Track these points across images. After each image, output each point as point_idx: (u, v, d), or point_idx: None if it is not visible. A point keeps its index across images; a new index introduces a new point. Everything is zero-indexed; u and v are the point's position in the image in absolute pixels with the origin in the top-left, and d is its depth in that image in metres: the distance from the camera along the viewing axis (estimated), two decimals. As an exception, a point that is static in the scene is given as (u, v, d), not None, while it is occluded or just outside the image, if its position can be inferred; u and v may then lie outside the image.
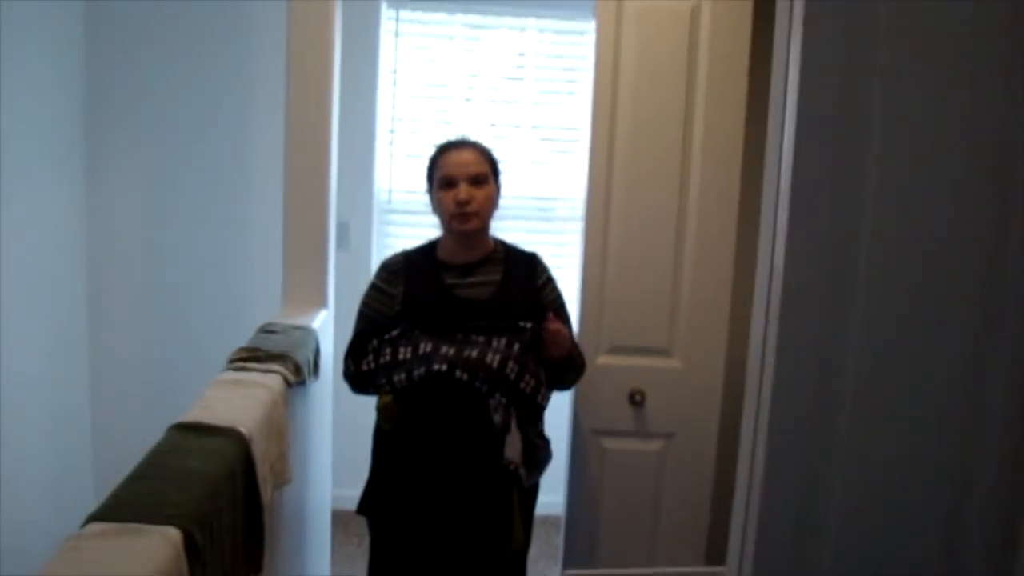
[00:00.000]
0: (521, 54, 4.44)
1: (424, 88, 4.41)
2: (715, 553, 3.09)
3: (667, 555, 3.09)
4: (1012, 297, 1.45)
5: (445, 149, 2.59)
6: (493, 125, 4.41)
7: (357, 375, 2.60)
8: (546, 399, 2.53)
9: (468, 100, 4.42)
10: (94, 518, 1.47)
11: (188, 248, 4.24)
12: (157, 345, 4.29)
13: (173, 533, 1.43)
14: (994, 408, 1.49)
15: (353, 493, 2.62)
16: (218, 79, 4.16)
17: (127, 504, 1.52)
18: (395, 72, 4.36)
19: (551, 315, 2.52)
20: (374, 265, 4.20)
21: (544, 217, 4.49)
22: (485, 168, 2.55)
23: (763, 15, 2.92)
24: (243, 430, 1.93)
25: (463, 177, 2.50)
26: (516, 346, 2.44)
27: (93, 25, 4.07)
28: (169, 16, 4.10)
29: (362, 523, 2.74)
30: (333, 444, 3.37)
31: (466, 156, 2.54)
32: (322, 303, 3.11)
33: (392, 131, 4.39)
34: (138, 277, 4.27)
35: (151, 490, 1.59)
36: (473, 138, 2.66)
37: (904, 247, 1.45)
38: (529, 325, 2.48)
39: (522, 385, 2.43)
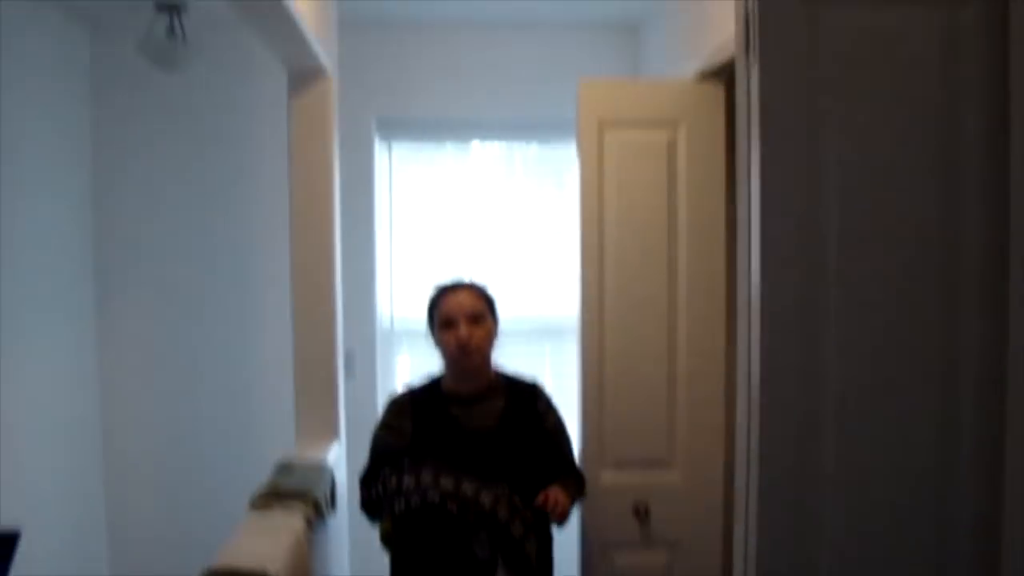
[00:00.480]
0: (508, 175, 4.66)
1: (418, 212, 4.62)
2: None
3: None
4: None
5: (444, 292, 2.77)
6: (484, 246, 4.60)
7: (368, 502, 2.69)
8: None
9: (460, 222, 4.62)
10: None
11: (199, 377, 4.38)
12: (168, 476, 4.38)
13: None
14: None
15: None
16: (221, 216, 4.37)
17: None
18: (391, 201, 4.56)
19: (543, 495, 2.59)
20: (380, 391, 4.36)
21: (540, 333, 4.64)
22: (482, 307, 2.73)
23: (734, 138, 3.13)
24: (272, 574, 2.04)
25: (462, 317, 2.67)
26: (514, 496, 2.56)
27: (100, 178, 4.30)
28: (174, 146, 4.36)
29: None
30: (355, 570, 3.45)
31: (463, 297, 2.72)
32: (334, 435, 3.23)
33: (390, 256, 4.56)
34: (148, 417, 4.39)
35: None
36: (469, 279, 2.85)
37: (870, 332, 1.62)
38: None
39: (512, 529, 2.53)
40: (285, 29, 2.70)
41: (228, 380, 4.38)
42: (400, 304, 4.59)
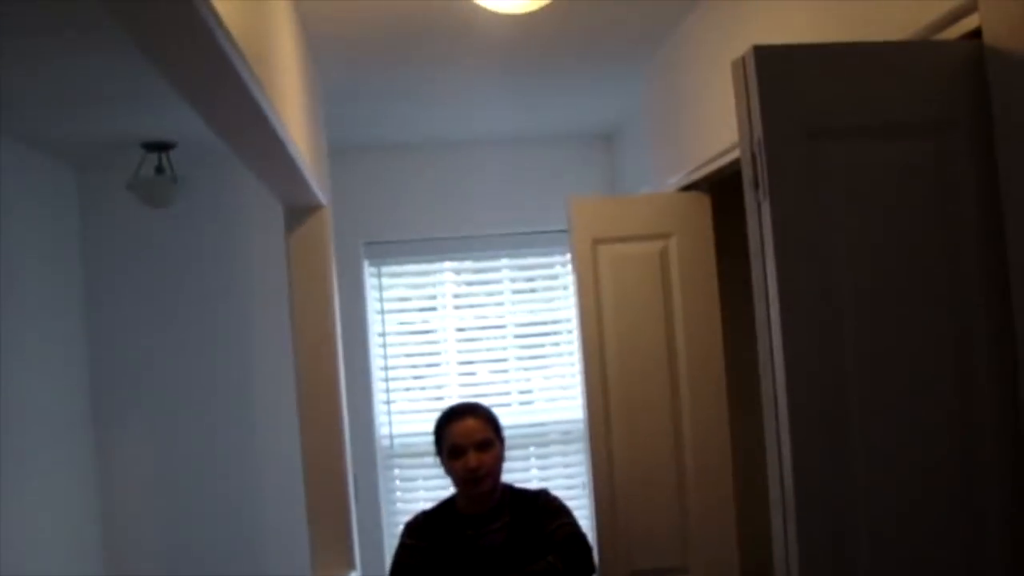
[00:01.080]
0: (499, 291, 4.75)
1: (411, 333, 4.69)
2: None
3: None
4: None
5: (450, 419, 2.80)
6: (478, 358, 4.67)
7: None
8: None
9: (451, 337, 4.69)
10: None
11: (202, 508, 4.37)
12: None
13: None
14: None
15: None
16: (220, 348, 4.42)
17: None
18: (383, 322, 4.62)
19: None
20: (385, 515, 4.35)
21: (541, 443, 4.68)
22: (489, 433, 2.76)
23: (723, 245, 3.27)
24: None
25: (470, 445, 2.71)
26: None
27: (93, 312, 4.35)
28: (166, 281, 4.43)
29: None
30: None
31: (470, 425, 2.75)
32: (351, 566, 3.22)
33: (387, 379, 4.61)
34: (151, 545, 4.35)
35: None
36: (473, 402, 2.91)
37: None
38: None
39: None
40: (284, 170, 2.78)
41: (232, 509, 4.36)
42: (399, 424, 4.61)
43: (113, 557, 4.30)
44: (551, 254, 4.72)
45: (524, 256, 4.75)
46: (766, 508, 3.40)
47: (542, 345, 4.73)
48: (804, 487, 1.70)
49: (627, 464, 3.22)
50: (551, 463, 4.68)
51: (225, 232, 4.45)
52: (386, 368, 4.61)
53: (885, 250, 1.72)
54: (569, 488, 4.44)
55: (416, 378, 4.67)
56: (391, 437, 4.58)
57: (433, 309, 4.72)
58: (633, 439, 3.23)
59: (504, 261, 4.76)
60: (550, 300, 4.76)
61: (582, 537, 2.77)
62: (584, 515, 3.21)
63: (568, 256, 4.53)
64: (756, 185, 1.71)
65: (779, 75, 1.71)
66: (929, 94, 1.75)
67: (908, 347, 1.73)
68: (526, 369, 4.72)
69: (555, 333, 4.72)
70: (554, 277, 4.77)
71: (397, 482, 4.56)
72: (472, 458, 2.69)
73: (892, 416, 1.73)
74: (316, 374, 3.30)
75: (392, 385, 4.63)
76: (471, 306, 4.72)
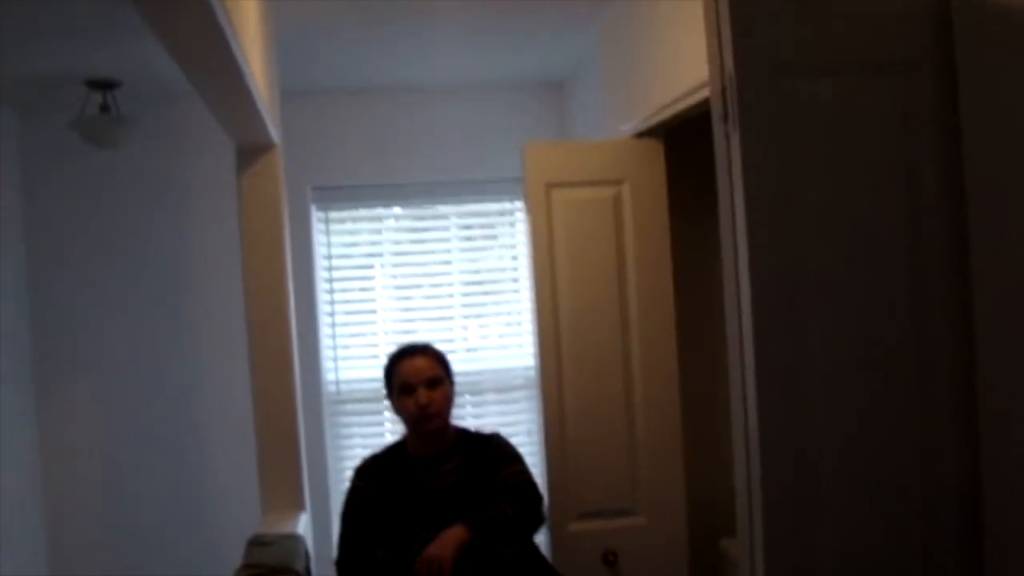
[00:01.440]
0: (446, 239, 4.74)
1: (358, 279, 4.67)
2: None
3: None
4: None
5: (400, 358, 2.83)
6: (427, 306, 4.67)
7: None
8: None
9: (400, 284, 4.69)
10: None
11: (150, 452, 4.34)
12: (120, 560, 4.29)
13: None
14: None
15: None
16: (166, 291, 4.37)
17: None
18: (330, 267, 4.59)
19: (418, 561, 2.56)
20: (332, 460, 4.35)
21: (486, 390, 4.70)
22: (439, 371, 2.80)
23: (675, 188, 3.32)
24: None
25: (420, 383, 2.74)
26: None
27: (35, 260, 4.25)
28: (110, 224, 4.35)
29: None
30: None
31: (420, 363, 2.78)
32: (301, 506, 3.22)
33: (333, 324, 4.58)
34: (96, 500, 4.31)
35: None
36: (423, 342, 2.93)
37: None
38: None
39: None
40: (241, 104, 2.71)
41: (181, 453, 4.34)
42: (345, 371, 4.59)
43: (54, 513, 4.25)
44: (500, 201, 4.72)
45: (472, 203, 4.73)
46: (713, 448, 3.51)
47: (488, 293, 4.74)
48: (766, 411, 1.76)
49: (577, 407, 3.26)
50: (493, 411, 4.69)
51: (173, 173, 4.36)
52: (333, 315, 4.59)
53: (849, 182, 1.77)
54: (512, 437, 4.45)
55: (362, 323, 4.65)
56: (337, 383, 4.56)
57: (380, 255, 4.70)
58: (583, 383, 3.27)
59: (452, 208, 4.74)
60: (496, 249, 4.76)
61: (534, 486, 2.82)
62: (533, 462, 3.25)
63: (516, 204, 4.56)
64: (725, 118, 1.74)
65: (750, 11, 1.74)
66: (895, 35, 1.81)
67: (866, 270, 1.79)
68: (471, 317, 4.73)
69: (501, 281, 4.73)
70: (502, 226, 4.78)
71: (342, 429, 4.55)
72: (422, 395, 2.72)
73: (854, 347, 1.79)
74: (267, 316, 3.27)
75: (339, 331, 4.61)
76: (418, 252, 4.70)
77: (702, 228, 3.38)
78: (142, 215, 4.35)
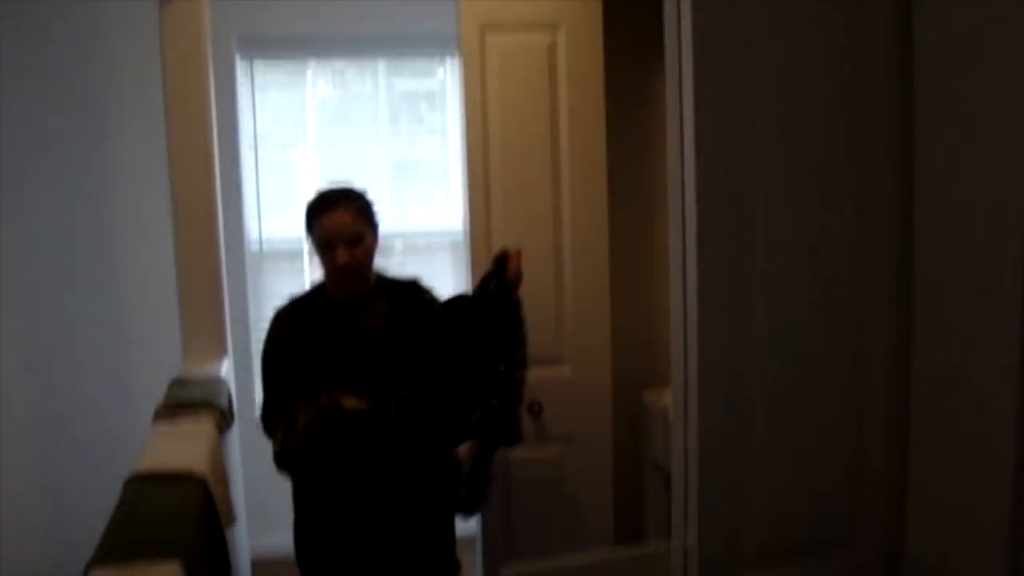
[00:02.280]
0: (373, 91, 4.62)
1: (283, 133, 4.53)
2: (620, 536, 3.41)
3: (579, 545, 3.30)
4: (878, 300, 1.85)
5: (319, 210, 2.64)
6: (356, 162, 4.57)
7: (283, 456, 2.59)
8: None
9: (328, 140, 4.57)
10: (95, 563, 1.55)
11: (72, 305, 4.23)
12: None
13: (176, 568, 1.54)
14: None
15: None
16: (82, 144, 4.17)
17: (123, 547, 1.61)
18: (254, 121, 4.45)
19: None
20: (252, 314, 4.28)
21: (416, 249, 4.65)
22: (360, 226, 2.63)
23: (611, 40, 3.26)
24: (199, 473, 2.03)
25: (340, 240, 2.59)
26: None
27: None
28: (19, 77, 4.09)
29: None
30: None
31: (339, 219, 2.59)
32: (224, 350, 3.17)
33: (256, 178, 4.46)
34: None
35: (139, 533, 1.68)
36: (345, 188, 2.71)
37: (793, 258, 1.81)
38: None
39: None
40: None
41: (104, 304, 4.24)
42: (268, 226, 4.50)
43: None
44: (431, 58, 4.59)
45: (402, 59, 4.60)
46: (638, 299, 3.53)
47: (416, 153, 4.65)
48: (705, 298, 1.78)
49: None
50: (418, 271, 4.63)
51: (87, 12, 4.13)
52: (256, 171, 4.46)
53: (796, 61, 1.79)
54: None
55: (283, 174, 4.56)
56: (260, 242, 4.47)
57: (309, 110, 4.56)
58: (513, 235, 3.23)
59: (381, 63, 4.60)
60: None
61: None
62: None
63: (445, 67, 4.45)
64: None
65: None
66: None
67: (813, 164, 1.83)
68: (399, 179, 4.65)
69: (429, 144, 4.64)
70: (432, 88, 4.66)
71: (266, 284, 4.47)
72: (341, 254, 2.58)
73: (795, 249, 1.83)
74: (190, 160, 3.12)
75: (263, 187, 4.49)
76: (345, 110, 4.57)
77: (637, 77, 3.36)
78: (55, 60, 4.11)
